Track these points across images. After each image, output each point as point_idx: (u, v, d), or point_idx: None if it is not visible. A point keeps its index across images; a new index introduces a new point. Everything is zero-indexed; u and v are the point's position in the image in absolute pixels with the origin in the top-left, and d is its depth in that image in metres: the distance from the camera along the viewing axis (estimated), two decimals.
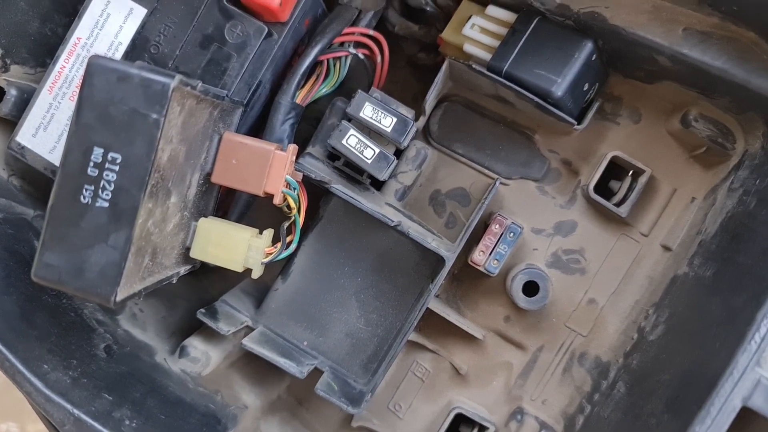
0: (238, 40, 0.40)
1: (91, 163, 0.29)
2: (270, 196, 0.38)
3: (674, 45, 0.36)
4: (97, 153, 0.29)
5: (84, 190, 0.29)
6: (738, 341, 0.30)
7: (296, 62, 0.43)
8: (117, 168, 0.29)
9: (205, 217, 0.39)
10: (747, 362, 0.30)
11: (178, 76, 0.29)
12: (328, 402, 0.40)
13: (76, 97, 0.41)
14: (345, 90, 0.45)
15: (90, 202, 0.30)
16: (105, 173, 0.29)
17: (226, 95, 0.37)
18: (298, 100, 0.43)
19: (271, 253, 0.39)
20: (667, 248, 0.40)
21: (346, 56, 0.44)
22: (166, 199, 0.33)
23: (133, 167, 0.29)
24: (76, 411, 0.34)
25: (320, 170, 0.43)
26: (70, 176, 0.29)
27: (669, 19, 0.36)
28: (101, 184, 0.29)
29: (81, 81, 0.40)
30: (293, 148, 0.39)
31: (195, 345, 0.42)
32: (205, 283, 0.49)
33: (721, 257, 0.35)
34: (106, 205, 0.30)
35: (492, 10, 0.41)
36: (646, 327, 0.39)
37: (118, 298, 0.31)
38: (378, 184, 0.44)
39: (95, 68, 0.29)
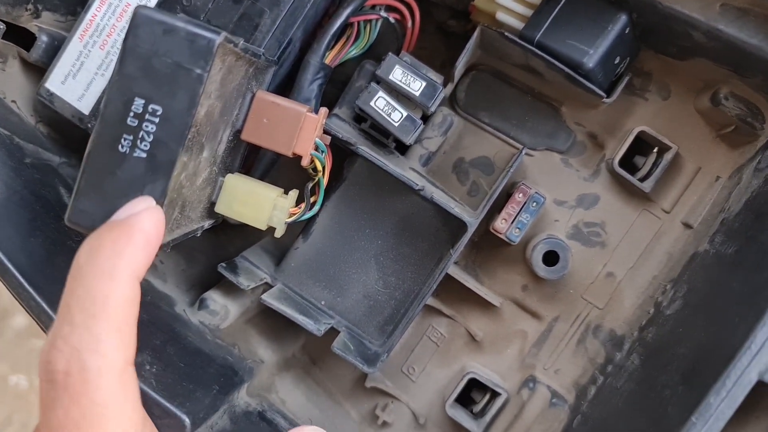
0: None
1: (132, 114, 0.29)
2: (297, 157, 0.38)
3: (711, 20, 0.36)
4: (138, 104, 0.29)
5: (123, 140, 0.30)
6: (757, 317, 0.31)
7: (327, 22, 0.43)
8: (157, 120, 0.29)
9: (232, 173, 0.39)
10: (765, 337, 0.30)
11: (224, 33, 0.29)
12: (343, 361, 0.40)
13: (106, 46, 0.41)
14: (373, 54, 0.45)
15: (128, 152, 0.30)
16: (144, 124, 0.29)
17: (263, 53, 0.37)
18: (327, 61, 0.43)
19: (295, 214, 0.39)
20: (688, 225, 0.41)
21: (377, 19, 0.44)
22: (199, 154, 0.33)
23: (174, 120, 0.29)
24: None
25: (346, 132, 0.43)
26: (110, 125, 0.30)
27: None
28: (140, 135, 0.30)
29: (114, 30, 0.41)
30: (324, 111, 0.39)
31: (214, 298, 0.42)
32: (224, 240, 0.49)
33: (744, 235, 0.36)
34: (144, 155, 0.30)
35: None
36: (663, 302, 0.39)
37: None
38: (402, 149, 0.44)
39: (141, 19, 0.29)
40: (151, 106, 0.29)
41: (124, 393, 0.26)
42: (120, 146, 0.30)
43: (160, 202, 0.30)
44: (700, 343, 0.34)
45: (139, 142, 0.30)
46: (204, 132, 0.33)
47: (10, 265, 0.34)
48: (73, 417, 0.25)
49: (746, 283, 0.33)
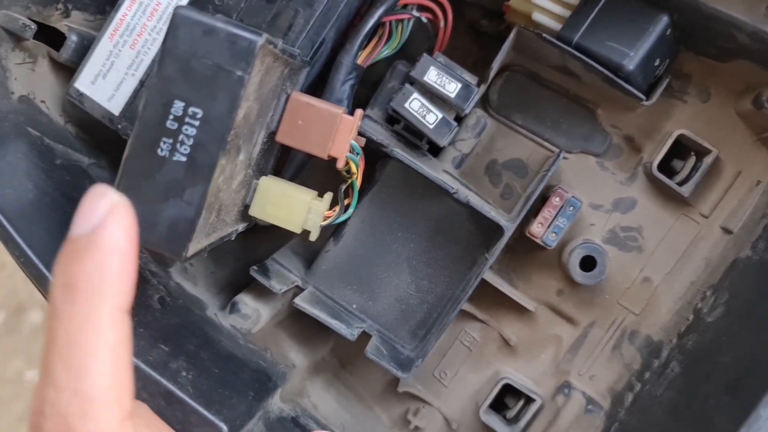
0: None
1: (171, 116, 0.29)
2: (331, 160, 0.38)
3: (756, 22, 0.35)
4: (178, 106, 0.29)
5: (162, 143, 0.29)
6: None
7: (360, 22, 0.42)
8: (197, 123, 0.29)
9: (265, 175, 0.38)
10: None
11: (265, 34, 0.29)
12: (373, 365, 0.40)
13: (137, 46, 0.41)
14: (404, 53, 0.44)
15: (167, 156, 0.29)
16: (184, 127, 0.29)
17: (298, 54, 0.36)
18: (359, 61, 0.42)
19: (329, 217, 0.39)
20: (727, 231, 0.40)
21: (409, 19, 0.43)
22: (236, 156, 0.33)
23: (214, 123, 0.29)
24: (134, 360, 0.34)
25: (379, 133, 0.42)
26: (149, 128, 0.29)
27: None
28: (180, 138, 0.29)
29: (145, 29, 0.40)
30: (360, 113, 0.38)
31: (246, 302, 0.42)
32: (252, 241, 0.48)
33: None
34: (184, 159, 0.29)
35: None
36: (704, 308, 0.39)
37: (189, 254, 0.30)
38: (435, 151, 0.43)
39: (181, 20, 0.28)
40: (191, 109, 0.29)
41: None
42: (159, 149, 0.29)
43: (199, 206, 0.30)
44: (745, 353, 0.33)
45: (178, 145, 0.29)
46: (241, 134, 0.32)
47: (44, 270, 0.33)
48: None
49: None
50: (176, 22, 0.29)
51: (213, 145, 0.29)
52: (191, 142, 0.29)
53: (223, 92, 0.29)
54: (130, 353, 0.25)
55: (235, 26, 0.29)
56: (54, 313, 0.24)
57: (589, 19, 0.39)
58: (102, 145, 0.43)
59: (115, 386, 0.24)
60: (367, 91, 0.44)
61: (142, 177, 0.30)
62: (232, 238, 0.37)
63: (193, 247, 0.31)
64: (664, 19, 0.38)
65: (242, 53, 0.28)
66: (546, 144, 0.43)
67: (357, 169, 0.39)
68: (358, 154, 0.38)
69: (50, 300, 0.24)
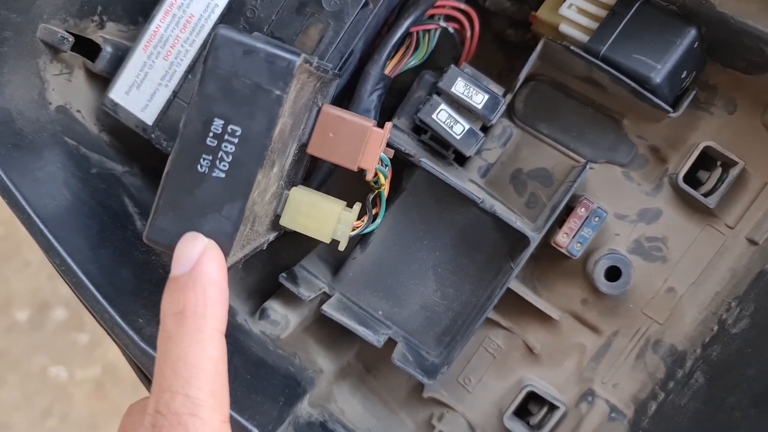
0: (335, 8, 0.40)
1: (211, 134, 0.30)
2: (360, 171, 0.38)
3: None
4: (218, 124, 0.30)
5: (202, 160, 0.30)
6: None
7: (387, 33, 0.43)
8: (236, 140, 0.30)
9: (295, 185, 0.39)
10: None
11: (303, 54, 0.29)
12: (398, 370, 0.41)
13: (170, 57, 0.42)
14: (430, 63, 0.45)
15: (207, 172, 0.30)
16: (224, 145, 0.30)
17: (330, 68, 0.37)
18: (387, 72, 0.43)
19: (358, 227, 0.40)
20: (753, 242, 0.40)
21: (436, 29, 0.44)
22: (270, 170, 0.34)
23: (252, 141, 0.30)
24: None
25: (405, 143, 0.43)
26: (189, 145, 0.30)
27: None
28: (219, 155, 0.30)
29: (178, 41, 0.41)
30: (389, 125, 0.39)
31: (275, 308, 0.43)
32: (278, 247, 0.49)
33: None
34: (223, 176, 0.30)
35: None
36: (728, 319, 0.39)
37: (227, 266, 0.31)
38: (461, 160, 0.44)
39: (221, 40, 0.29)
40: (230, 127, 0.30)
41: None
42: (199, 166, 0.30)
43: (237, 222, 0.30)
44: None
45: (218, 162, 0.30)
46: (276, 149, 0.33)
47: (84, 278, 0.34)
48: None
49: None
50: (217, 42, 0.29)
51: (251, 162, 0.30)
52: (230, 159, 0.30)
53: (262, 111, 0.29)
54: (226, 368, 0.30)
55: (274, 46, 0.29)
56: (166, 336, 0.29)
57: (616, 32, 0.39)
58: (135, 153, 0.44)
59: (216, 393, 0.29)
60: (394, 99, 0.45)
61: (182, 192, 0.30)
62: (264, 248, 0.38)
63: (230, 260, 0.32)
64: (692, 33, 0.38)
65: (281, 73, 0.29)
66: (571, 154, 0.44)
67: (385, 180, 0.40)
68: (387, 165, 0.39)
69: (162, 326, 0.30)
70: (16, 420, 1.01)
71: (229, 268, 0.32)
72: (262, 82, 0.29)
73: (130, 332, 0.34)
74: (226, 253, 0.31)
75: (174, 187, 0.30)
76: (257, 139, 0.30)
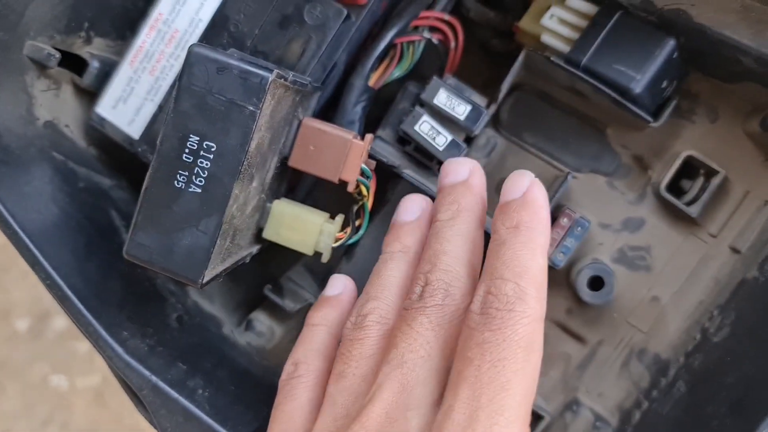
0: (318, 22, 0.40)
1: (187, 150, 0.30)
2: (342, 183, 0.39)
3: (762, 47, 0.36)
4: (193, 140, 0.30)
5: (178, 175, 0.30)
6: None
7: (371, 45, 0.43)
8: (211, 156, 0.30)
9: (278, 198, 0.40)
10: None
11: (276, 70, 0.30)
12: None
13: (155, 72, 0.42)
14: (415, 73, 0.45)
15: (183, 188, 0.31)
16: (199, 161, 0.30)
17: (309, 82, 0.38)
18: (371, 83, 0.43)
19: (341, 238, 0.40)
20: (736, 250, 0.40)
21: (420, 40, 0.44)
22: (249, 184, 0.34)
23: (227, 156, 0.30)
24: (153, 378, 0.35)
25: (390, 154, 0.43)
26: (166, 161, 0.30)
27: (758, 19, 0.36)
28: (195, 171, 0.30)
29: (163, 56, 0.41)
30: (370, 137, 0.39)
31: (261, 319, 0.43)
32: (266, 257, 0.49)
33: None
34: (199, 191, 0.31)
35: (572, 0, 0.41)
36: (710, 328, 0.39)
37: (205, 280, 0.32)
38: None
39: (195, 57, 0.29)
40: (205, 143, 0.30)
41: (539, 335, 0.32)
42: (176, 182, 0.31)
43: (214, 236, 0.31)
44: (748, 375, 0.34)
45: (194, 177, 0.30)
46: (254, 163, 0.33)
47: (69, 292, 0.35)
48: (500, 337, 0.31)
49: None
50: (191, 59, 0.30)
51: (226, 177, 0.30)
52: (206, 174, 0.30)
53: (236, 127, 0.30)
54: (546, 282, 0.34)
55: (247, 63, 0.30)
56: (500, 242, 0.34)
57: (596, 42, 0.39)
58: (122, 167, 0.45)
59: (541, 292, 0.33)
60: (379, 110, 0.45)
61: (160, 207, 0.31)
62: (246, 261, 0.38)
63: (209, 274, 0.32)
64: (671, 43, 0.38)
65: (254, 89, 0.30)
66: (555, 163, 0.44)
67: (368, 192, 0.40)
68: (368, 177, 0.39)
69: (495, 237, 0.34)
70: (17, 429, 1.02)
71: (209, 282, 0.33)
72: (236, 99, 0.30)
73: (114, 345, 0.35)
74: (204, 267, 0.31)
75: (152, 202, 0.31)
76: (232, 154, 0.30)
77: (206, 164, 0.30)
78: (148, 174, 0.31)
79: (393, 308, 0.35)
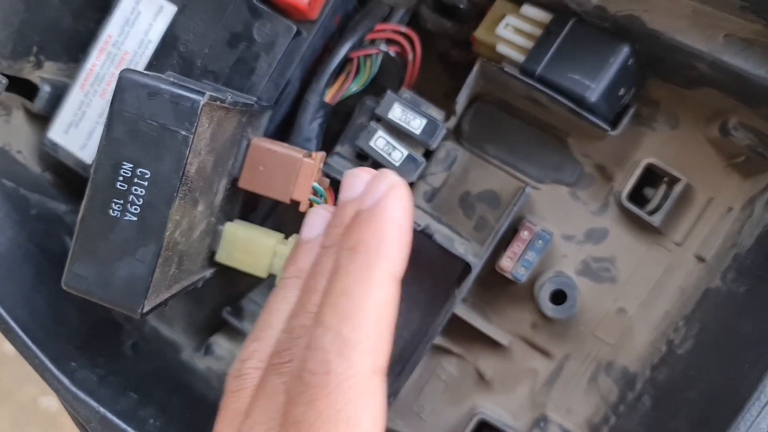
0: (267, 40, 0.40)
1: (121, 178, 0.29)
2: (295, 203, 0.38)
3: (714, 52, 0.35)
4: (127, 168, 0.29)
5: (113, 204, 0.30)
6: (766, 366, 0.30)
7: (326, 60, 0.42)
8: (146, 183, 0.29)
9: (231, 220, 0.39)
10: None
11: (208, 93, 0.29)
12: None
13: (107, 95, 0.42)
14: (377, 86, 0.45)
15: (119, 216, 0.30)
16: (134, 188, 0.29)
17: (255, 101, 0.37)
18: (327, 99, 0.43)
19: None
20: (701, 259, 0.39)
21: (377, 54, 0.43)
22: (193, 209, 0.33)
23: (162, 183, 0.29)
24: (101, 409, 0.35)
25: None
26: (100, 190, 0.30)
27: (710, 24, 0.35)
28: (130, 199, 0.30)
29: (114, 78, 0.41)
30: (321, 155, 0.38)
31: (220, 343, 0.42)
32: (233, 276, 0.49)
33: (755, 275, 0.34)
34: (135, 219, 0.30)
35: (527, 9, 0.40)
36: (675, 340, 0.38)
37: (145, 310, 0.31)
38: (408, 185, 0.43)
39: (126, 83, 0.29)
40: (139, 170, 0.29)
41: (365, 401, 0.25)
42: (111, 210, 0.30)
43: (152, 264, 0.30)
44: (710, 389, 0.33)
45: (129, 206, 0.30)
46: (197, 187, 0.33)
47: (13, 324, 0.34)
48: (314, 414, 0.25)
49: (756, 327, 0.32)
50: (122, 85, 0.29)
51: (162, 205, 0.30)
52: (141, 202, 0.30)
53: (170, 153, 0.29)
54: (393, 319, 0.27)
55: (178, 87, 0.29)
56: (335, 269, 0.27)
57: (551, 51, 0.39)
58: (79, 192, 0.44)
59: (373, 339, 0.25)
60: (342, 124, 0.45)
61: (96, 237, 0.30)
62: (199, 286, 0.37)
63: (151, 302, 0.31)
64: (625, 50, 0.38)
65: (186, 113, 0.29)
66: (518, 174, 0.43)
67: None
68: (321, 196, 0.38)
69: (336, 261, 0.27)
70: None
71: (151, 310, 0.32)
72: (168, 124, 0.29)
73: (61, 377, 0.34)
74: (143, 296, 0.30)
75: (88, 232, 0.30)
76: (166, 181, 0.29)
77: (141, 191, 0.29)
78: (83, 203, 0.30)
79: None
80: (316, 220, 0.32)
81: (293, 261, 0.31)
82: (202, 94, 0.29)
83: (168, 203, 0.30)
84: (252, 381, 0.28)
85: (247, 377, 0.28)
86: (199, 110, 0.29)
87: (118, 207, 0.30)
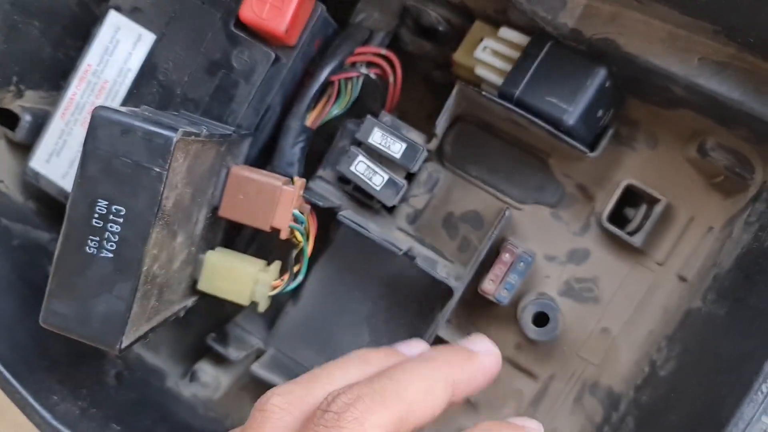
0: (246, 67, 0.40)
1: (96, 215, 0.30)
2: (276, 231, 0.38)
3: (689, 75, 0.35)
4: (102, 205, 0.29)
5: (89, 241, 0.30)
6: (744, 390, 0.30)
7: (307, 84, 0.42)
8: (121, 220, 0.29)
9: (213, 248, 0.39)
10: (753, 413, 0.29)
11: (181, 129, 0.29)
12: None
13: (87, 124, 0.42)
14: (359, 108, 0.45)
15: (95, 253, 0.30)
16: (109, 225, 0.30)
17: (234, 130, 0.37)
18: (308, 123, 0.43)
19: (278, 287, 0.39)
20: (683, 278, 0.40)
21: (358, 77, 0.43)
22: (172, 241, 0.33)
23: (137, 220, 0.29)
24: None
25: (331, 194, 0.43)
26: (76, 227, 0.30)
27: (684, 48, 0.35)
28: (105, 236, 0.30)
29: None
30: (301, 182, 0.38)
31: (205, 369, 0.42)
32: (213, 303, 0.49)
33: (734, 296, 0.35)
34: (111, 255, 0.30)
35: (504, 32, 0.40)
36: (658, 360, 0.38)
37: (123, 345, 0.31)
38: (390, 207, 0.44)
39: (99, 120, 0.29)
40: (114, 207, 0.29)
41: None
42: (87, 247, 0.30)
43: (129, 300, 0.30)
44: (691, 412, 0.33)
45: (105, 242, 0.30)
46: (175, 220, 0.33)
47: None
48: None
49: (735, 349, 0.32)
50: (95, 123, 0.29)
51: (138, 241, 0.30)
52: (116, 238, 0.30)
53: (144, 189, 0.29)
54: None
55: (152, 123, 0.29)
56: (410, 368, 0.30)
57: (528, 75, 0.39)
58: (62, 221, 0.44)
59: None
60: (326, 145, 0.45)
61: (73, 274, 0.30)
62: (180, 315, 0.37)
63: (130, 337, 0.32)
64: (602, 73, 0.38)
65: (159, 150, 0.29)
66: (500, 195, 0.43)
67: (303, 237, 0.39)
68: (302, 222, 0.38)
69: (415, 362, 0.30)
70: None
71: (131, 345, 0.32)
72: (142, 161, 0.29)
73: (42, 411, 0.34)
74: (120, 332, 0.31)
75: (65, 269, 0.30)
76: (141, 217, 0.29)
77: (116, 228, 0.30)
78: (59, 241, 0.30)
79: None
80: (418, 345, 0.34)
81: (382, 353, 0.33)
82: (176, 130, 0.29)
83: (144, 239, 0.30)
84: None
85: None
86: (173, 147, 0.29)
87: (94, 244, 0.30)
